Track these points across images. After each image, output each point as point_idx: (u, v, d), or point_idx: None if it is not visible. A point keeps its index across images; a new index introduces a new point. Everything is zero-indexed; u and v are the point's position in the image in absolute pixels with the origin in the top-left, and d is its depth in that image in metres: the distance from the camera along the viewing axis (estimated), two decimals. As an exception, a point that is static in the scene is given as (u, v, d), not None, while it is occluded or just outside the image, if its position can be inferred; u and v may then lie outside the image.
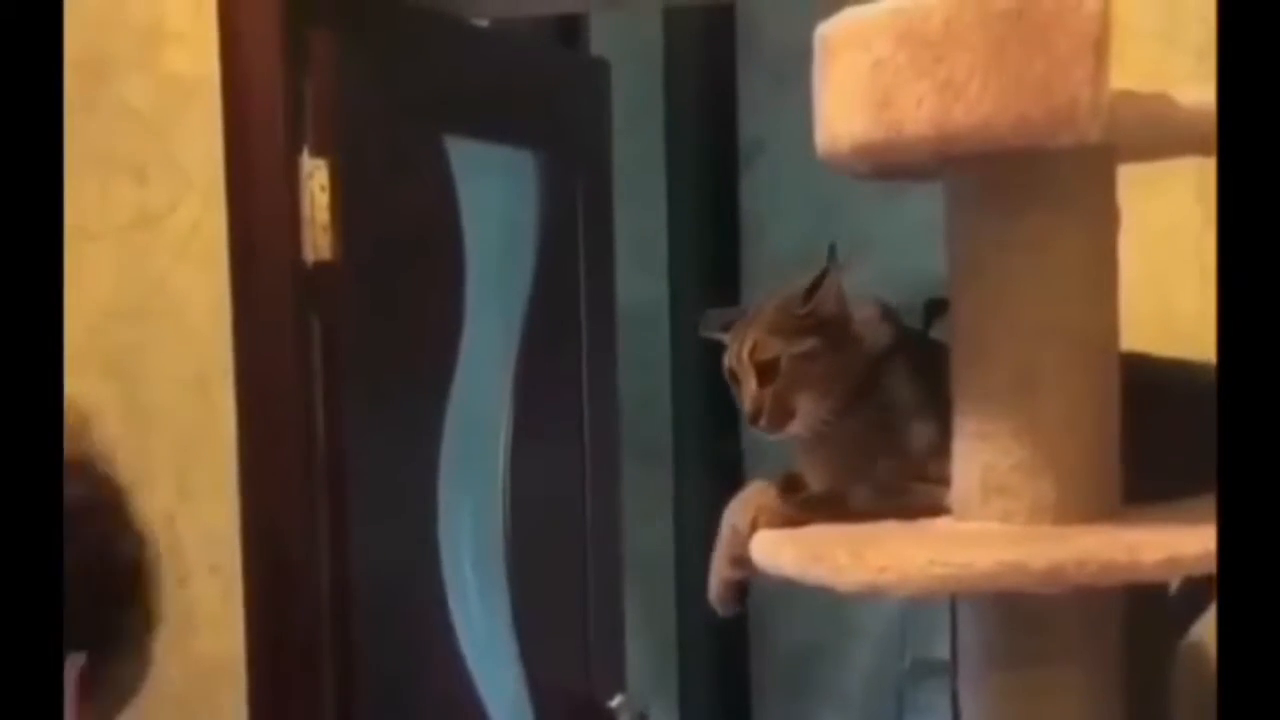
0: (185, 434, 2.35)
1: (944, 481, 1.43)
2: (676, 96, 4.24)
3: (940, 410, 1.43)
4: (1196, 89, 1.32)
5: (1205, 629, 1.68)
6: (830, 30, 1.35)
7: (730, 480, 4.27)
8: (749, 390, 1.51)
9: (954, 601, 1.62)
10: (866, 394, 1.52)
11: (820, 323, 1.52)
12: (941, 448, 1.43)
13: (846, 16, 1.33)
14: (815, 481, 1.54)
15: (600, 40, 3.86)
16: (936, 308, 1.44)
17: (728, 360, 1.55)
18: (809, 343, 1.51)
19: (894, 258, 3.18)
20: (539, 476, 2.94)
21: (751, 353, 1.51)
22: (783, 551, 1.38)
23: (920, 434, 1.48)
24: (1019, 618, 1.37)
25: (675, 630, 4.34)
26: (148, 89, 2.32)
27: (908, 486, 1.47)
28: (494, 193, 2.90)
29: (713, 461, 4.16)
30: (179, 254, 2.33)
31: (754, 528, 1.44)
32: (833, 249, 1.53)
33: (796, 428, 1.51)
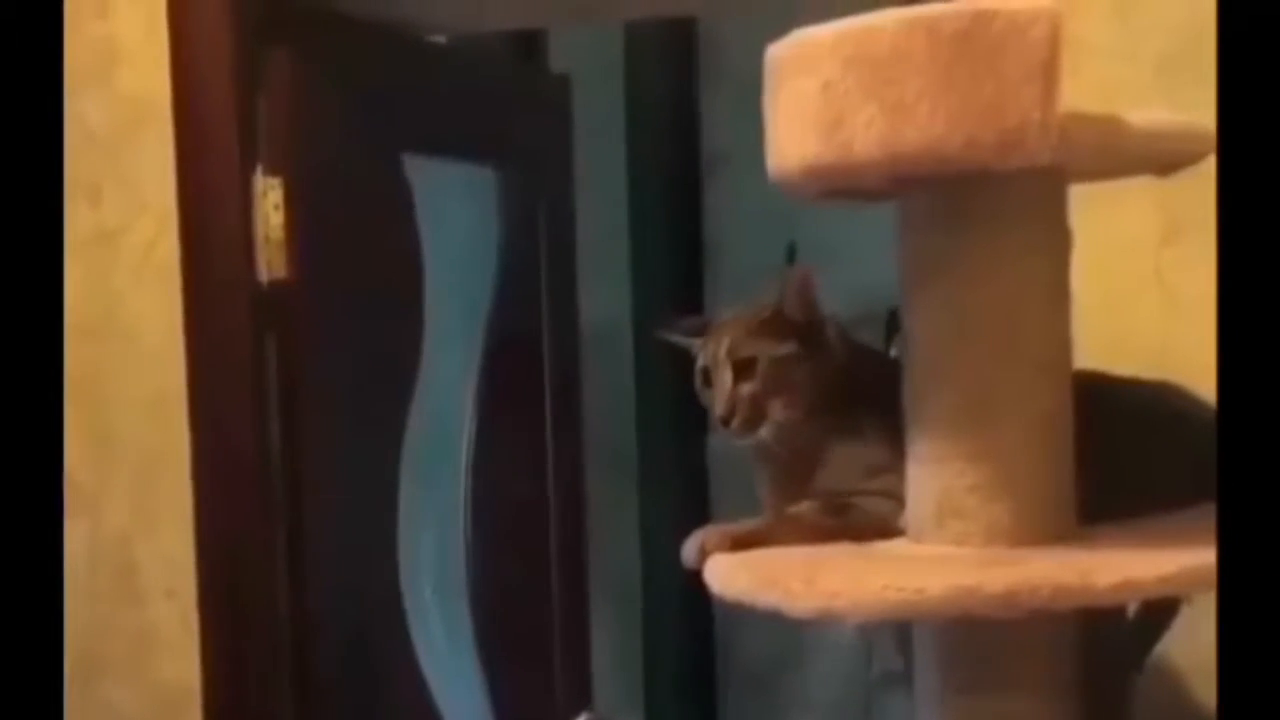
0: (143, 455, 2.33)
1: (893, 498, 1.42)
2: (638, 111, 4.22)
3: (891, 429, 1.43)
4: (1149, 108, 1.32)
5: (1166, 654, 1.67)
6: (780, 52, 1.35)
7: (695, 495, 4.30)
8: (723, 390, 1.50)
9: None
10: (824, 408, 1.51)
11: (797, 327, 1.51)
12: (891, 466, 1.42)
13: (795, 38, 1.32)
14: (768, 497, 1.54)
15: (561, 56, 3.84)
16: (899, 319, 1.43)
17: (702, 360, 1.54)
18: (788, 346, 1.50)
19: (857, 269, 3.16)
20: (502, 494, 2.93)
21: (730, 351, 1.50)
22: (737, 577, 1.37)
23: (869, 452, 1.47)
24: (974, 640, 1.36)
25: (641, 644, 4.32)
26: (101, 109, 2.30)
27: (851, 504, 1.46)
28: (454, 210, 2.89)
29: (678, 476, 4.14)
30: (134, 274, 2.31)
31: (704, 554, 1.43)
32: (792, 249, 1.53)
33: (766, 433, 1.49)
